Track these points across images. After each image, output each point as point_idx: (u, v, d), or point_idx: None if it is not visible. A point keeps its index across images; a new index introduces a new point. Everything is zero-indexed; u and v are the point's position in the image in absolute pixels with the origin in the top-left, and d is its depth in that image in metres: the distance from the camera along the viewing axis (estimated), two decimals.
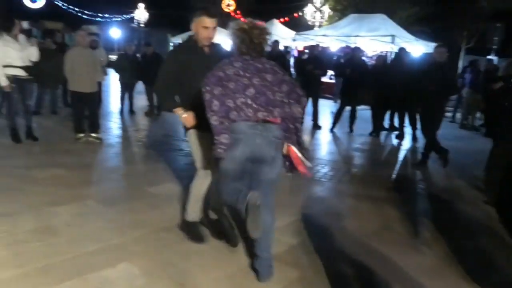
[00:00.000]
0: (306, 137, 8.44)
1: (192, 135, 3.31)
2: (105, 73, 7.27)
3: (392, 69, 8.70)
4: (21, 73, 5.91)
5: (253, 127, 2.63)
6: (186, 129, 3.36)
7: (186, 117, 3.20)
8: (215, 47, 3.38)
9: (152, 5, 34.30)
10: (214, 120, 2.65)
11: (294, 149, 2.78)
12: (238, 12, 32.81)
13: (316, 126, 9.27)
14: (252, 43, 2.73)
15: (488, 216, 4.56)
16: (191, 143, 3.38)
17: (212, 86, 2.64)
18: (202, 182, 3.36)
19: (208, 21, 3.19)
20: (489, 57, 14.97)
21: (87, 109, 6.65)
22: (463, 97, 12.31)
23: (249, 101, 2.63)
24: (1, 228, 3.39)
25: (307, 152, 2.86)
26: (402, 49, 9.36)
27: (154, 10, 34.78)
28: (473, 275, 3.18)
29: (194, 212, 3.47)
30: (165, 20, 35.46)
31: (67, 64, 6.35)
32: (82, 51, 6.43)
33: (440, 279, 3.12)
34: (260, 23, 2.83)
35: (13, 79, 5.84)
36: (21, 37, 6.00)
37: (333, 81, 15.47)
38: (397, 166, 6.87)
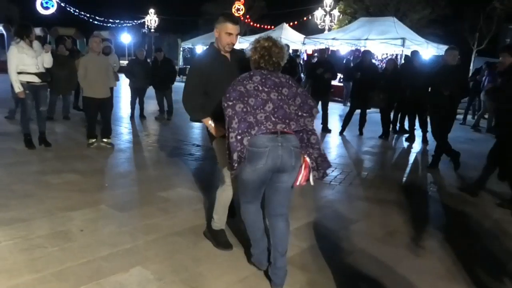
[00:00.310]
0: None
1: (219, 143, 3.30)
2: (117, 79, 7.36)
3: (403, 72, 8.68)
4: (35, 79, 6.01)
5: (273, 139, 2.67)
6: (212, 137, 3.38)
7: (213, 126, 3.24)
8: (235, 53, 3.41)
9: (162, 11, 34.63)
10: (231, 137, 2.65)
11: (308, 160, 2.81)
12: (247, 16, 32.98)
13: (325, 130, 9.28)
14: (271, 60, 2.80)
15: (500, 219, 4.53)
16: (218, 152, 3.40)
17: (234, 102, 2.67)
18: (227, 190, 3.38)
19: (231, 27, 3.23)
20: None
21: (99, 115, 6.74)
22: (475, 99, 12.22)
23: (270, 116, 2.67)
24: (16, 233, 3.46)
25: (326, 163, 2.85)
26: (415, 52, 9.33)
27: (164, 15, 35.11)
28: (485, 280, 3.17)
29: (220, 220, 3.48)
30: (175, 25, 35.78)
31: (81, 70, 6.44)
32: (95, 57, 6.51)
33: (451, 284, 3.11)
34: (280, 42, 2.89)
35: (27, 85, 5.94)
36: (36, 43, 6.10)
37: (341, 84, 15.46)
38: (408, 169, 6.85)
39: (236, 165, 2.68)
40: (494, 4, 22.07)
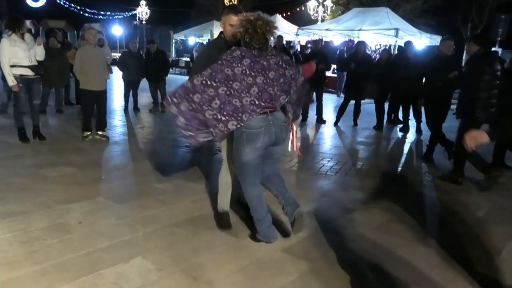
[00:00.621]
0: (310, 132, 8.48)
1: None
2: (111, 71, 7.33)
3: (397, 62, 8.70)
4: (28, 72, 5.96)
5: (265, 119, 2.98)
6: None
7: None
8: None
9: (154, 2, 34.32)
10: (209, 114, 2.92)
11: (295, 128, 3.26)
12: (240, 7, 32.80)
13: (320, 121, 9.30)
14: (256, 33, 2.93)
15: (498, 207, 4.59)
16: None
17: (218, 84, 2.87)
18: (226, 174, 3.57)
19: (235, 19, 3.26)
20: (493, 49, 14.93)
21: (95, 107, 6.71)
22: None
23: (254, 100, 2.90)
24: (15, 226, 3.45)
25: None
26: (408, 43, 9.36)
27: (156, 7, 34.79)
28: (479, 268, 3.22)
29: (222, 203, 3.68)
30: (167, 17, 35.49)
31: (77, 63, 6.40)
32: (92, 50, 6.47)
33: (447, 272, 3.15)
34: (268, 17, 3.03)
35: (20, 79, 5.89)
36: (27, 36, 6.04)
37: (335, 75, 15.47)
38: (403, 159, 6.90)
39: (204, 137, 3.05)
40: None
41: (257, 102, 2.90)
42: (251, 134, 2.96)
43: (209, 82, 2.89)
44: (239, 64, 2.89)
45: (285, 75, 3.05)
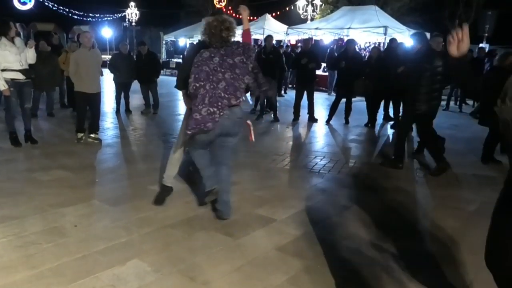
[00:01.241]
0: (303, 130, 8.52)
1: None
2: (101, 74, 7.33)
3: (386, 59, 8.77)
4: (19, 76, 5.94)
5: (225, 113, 3.40)
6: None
7: (186, 98, 3.89)
8: None
9: (143, 3, 34.14)
10: (204, 111, 3.33)
11: (249, 123, 3.74)
12: (230, 8, 32.77)
13: (312, 119, 9.34)
14: (213, 34, 3.41)
15: (491, 201, 4.66)
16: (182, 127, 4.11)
17: (204, 82, 3.33)
18: (179, 150, 4.13)
19: None
20: (481, 45, 15.09)
21: (89, 110, 6.73)
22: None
23: (221, 92, 3.35)
24: (10, 231, 3.45)
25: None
26: (392, 40, 9.46)
27: (145, 8, 34.62)
28: (472, 261, 3.27)
29: (168, 177, 4.25)
30: (157, 18, 35.33)
31: (72, 66, 6.43)
32: (87, 53, 6.48)
33: (443, 266, 3.20)
34: (225, 18, 3.50)
35: (11, 83, 5.86)
36: (18, 40, 6.01)
37: (326, 73, 15.54)
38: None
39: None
40: None
41: (222, 94, 3.35)
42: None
43: (197, 84, 3.33)
44: (211, 62, 3.35)
45: (249, 71, 3.49)
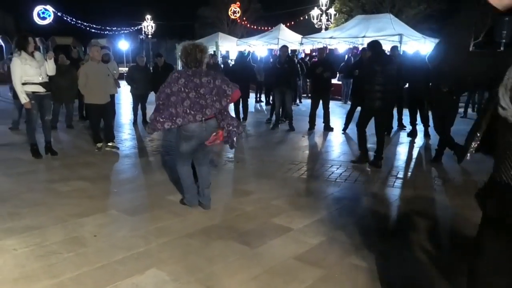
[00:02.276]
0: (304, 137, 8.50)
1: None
2: (118, 86, 7.47)
3: (401, 68, 8.72)
4: (39, 89, 6.08)
5: (200, 126, 4.00)
6: None
7: None
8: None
9: (159, 16, 34.74)
10: (159, 121, 3.94)
11: (222, 132, 4.15)
12: (244, 18, 33.06)
13: (328, 128, 9.33)
14: (189, 55, 3.98)
15: None
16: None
17: (163, 101, 3.94)
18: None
19: None
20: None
21: (102, 120, 6.93)
22: (475, 92, 12.26)
23: (187, 110, 3.91)
24: (31, 240, 3.52)
25: (233, 135, 4.19)
26: (394, 48, 9.55)
27: (161, 21, 35.18)
28: None
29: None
30: (172, 30, 35.81)
31: (82, 79, 6.64)
32: (95, 66, 6.69)
33: (456, 277, 3.15)
34: (199, 43, 4.14)
35: (32, 96, 6.01)
36: (37, 53, 6.17)
37: (340, 82, 15.52)
38: (412, 164, 6.90)
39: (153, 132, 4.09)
40: None
41: (188, 111, 3.91)
42: (186, 135, 4.05)
43: (159, 102, 3.98)
44: (176, 84, 3.92)
45: (215, 87, 3.98)
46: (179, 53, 4.11)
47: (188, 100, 3.92)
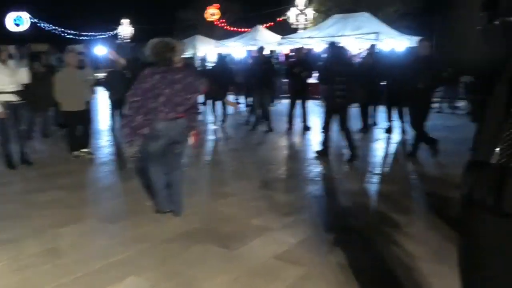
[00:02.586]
0: (298, 138, 8.56)
1: None
2: (93, 92, 7.39)
3: (376, 66, 8.85)
4: (13, 98, 5.97)
5: (168, 125, 3.90)
6: None
7: None
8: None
9: (136, 20, 34.39)
10: (137, 120, 3.80)
11: (196, 132, 4.22)
12: (222, 20, 33.00)
13: (306, 128, 9.36)
14: (158, 54, 3.88)
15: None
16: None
17: (140, 98, 3.79)
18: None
19: None
20: None
21: (78, 127, 6.84)
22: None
23: (161, 107, 3.80)
24: (7, 254, 3.46)
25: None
26: (372, 46, 9.70)
27: (138, 24, 34.87)
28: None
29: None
30: (150, 34, 35.50)
31: (57, 86, 6.52)
32: (70, 72, 6.61)
33: (437, 265, 3.21)
34: (169, 40, 3.98)
35: (6, 105, 5.90)
36: (10, 62, 6.08)
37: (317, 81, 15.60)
38: (389, 160, 6.99)
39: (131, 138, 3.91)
40: None
41: (161, 108, 3.80)
42: (155, 134, 3.90)
43: (135, 98, 3.82)
44: (151, 79, 3.79)
45: (189, 84, 3.95)
46: (148, 50, 3.94)
47: (164, 96, 3.81)
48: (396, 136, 8.62)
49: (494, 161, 1.30)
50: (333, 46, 6.87)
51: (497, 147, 1.29)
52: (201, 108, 7.98)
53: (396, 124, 8.88)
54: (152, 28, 35.33)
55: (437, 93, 9.84)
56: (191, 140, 4.27)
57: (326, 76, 6.67)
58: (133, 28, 34.87)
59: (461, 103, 12.28)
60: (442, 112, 11.86)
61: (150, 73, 3.82)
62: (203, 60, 18.45)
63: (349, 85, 6.45)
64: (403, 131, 8.65)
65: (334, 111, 6.62)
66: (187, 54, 22.14)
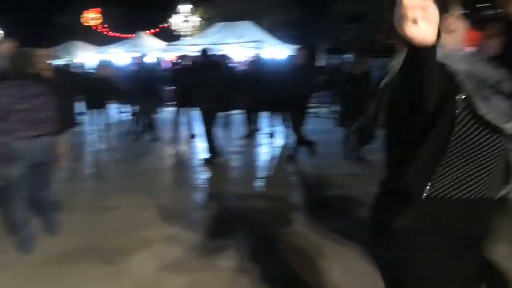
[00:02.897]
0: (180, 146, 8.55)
1: None
2: None
3: (257, 73, 9.24)
4: None
5: (28, 144, 3.45)
6: None
7: None
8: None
9: (7, 24, 31.24)
10: None
11: (61, 152, 3.84)
12: (105, 26, 31.58)
13: (191, 135, 9.34)
14: (15, 66, 3.55)
15: (365, 194, 5.14)
16: None
17: None
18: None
19: None
20: (344, 56, 16.60)
21: None
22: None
23: (18, 125, 3.36)
24: None
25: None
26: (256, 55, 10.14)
27: (11, 28, 31.72)
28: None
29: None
30: (25, 39, 32.56)
31: None
32: None
33: (321, 261, 3.48)
34: (30, 52, 3.74)
35: None
36: None
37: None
38: (271, 164, 7.27)
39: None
40: (334, 8, 24.56)
41: (21, 126, 3.38)
42: (15, 156, 3.40)
43: None
44: (5, 93, 3.35)
45: (49, 100, 3.60)
46: (5, 60, 3.65)
47: (23, 112, 3.40)
48: (278, 141, 9.05)
49: (425, 194, 1.43)
50: (204, 53, 7.33)
51: (428, 182, 1.43)
52: (81, 118, 7.60)
53: (279, 129, 9.32)
54: (27, 33, 32.48)
55: (314, 99, 10.52)
56: (59, 159, 3.88)
57: (196, 82, 7.04)
58: (2, 32, 31.60)
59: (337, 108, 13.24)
60: (319, 117, 12.72)
61: (5, 86, 3.42)
62: (81, 67, 17.53)
63: (221, 89, 6.85)
64: (285, 136, 9.11)
65: (208, 115, 6.92)
66: (62, 61, 20.79)
